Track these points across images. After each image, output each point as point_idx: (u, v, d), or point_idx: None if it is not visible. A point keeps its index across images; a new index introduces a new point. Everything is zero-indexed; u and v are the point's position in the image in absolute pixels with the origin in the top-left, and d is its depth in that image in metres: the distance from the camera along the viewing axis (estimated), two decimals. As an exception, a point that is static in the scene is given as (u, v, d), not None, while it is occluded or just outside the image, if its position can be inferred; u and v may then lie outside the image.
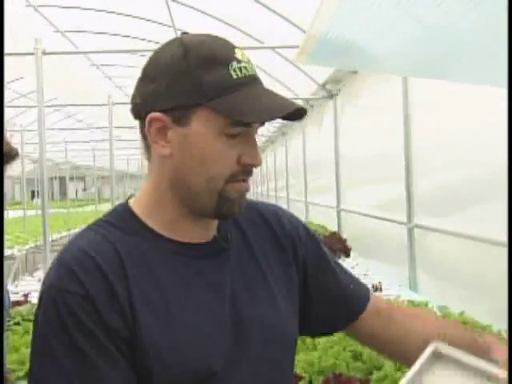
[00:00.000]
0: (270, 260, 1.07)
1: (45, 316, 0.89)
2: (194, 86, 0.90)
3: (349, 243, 6.29)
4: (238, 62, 0.92)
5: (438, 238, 4.26)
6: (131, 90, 1.02)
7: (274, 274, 1.06)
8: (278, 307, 1.03)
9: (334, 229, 7.23)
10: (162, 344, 0.89)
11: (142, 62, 1.03)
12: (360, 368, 2.54)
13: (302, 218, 9.75)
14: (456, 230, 3.81)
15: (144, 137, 0.97)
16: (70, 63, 8.33)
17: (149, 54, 1.02)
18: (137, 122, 1.00)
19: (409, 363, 1.16)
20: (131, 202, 1.02)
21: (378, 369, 2.48)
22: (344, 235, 6.73)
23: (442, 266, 4.30)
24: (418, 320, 1.19)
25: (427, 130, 4.36)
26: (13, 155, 0.87)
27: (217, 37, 0.96)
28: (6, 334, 1.22)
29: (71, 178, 25.79)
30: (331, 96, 7.27)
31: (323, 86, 7.23)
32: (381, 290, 4.40)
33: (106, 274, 0.89)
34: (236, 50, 0.93)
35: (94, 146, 17.33)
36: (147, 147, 0.98)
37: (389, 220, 5.23)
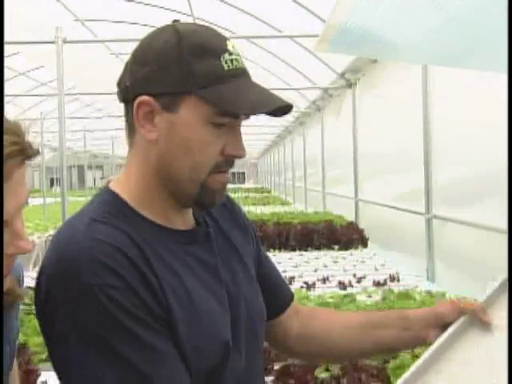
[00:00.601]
0: (239, 241, 1.10)
1: (91, 315, 0.86)
2: (185, 74, 0.91)
3: (366, 233, 6.28)
4: (230, 53, 0.93)
5: (456, 229, 4.24)
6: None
7: (246, 255, 1.10)
8: (255, 287, 1.09)
9: (352, 219, 7.22)
10: (188, 328, 0.92)
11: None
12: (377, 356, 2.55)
13: (320, 208, 9.75)
14: (474, 220, 3.79)
15: (128, 121, 0.97)
16: (90, 52, 8.38)
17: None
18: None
19: (335, 357, 1.27)
20: (114, 189, 0.99)
21: (394, 357, 2.49)
22: (361, 225, 6.72)
23: (459, 257, 4.29)
24: (338, 314, 1.26)
25: (447, 120, 4.33)
26: (35, 154, 0.89)
27: (209, 27, 0.97)
28: (28, 318, 1.25)
29: (89, 167, 25.97)
30: (350, 85, 7.23)
31: (342, 75, 7.19)
32: (398, 280, 4.39)
33: (136, 264, 0.89)
34: (228, 42, 0.94)
35: (112, 135, 17.44)
36: (131, 132, 0.98)
37: (407, 210, 5.21)
